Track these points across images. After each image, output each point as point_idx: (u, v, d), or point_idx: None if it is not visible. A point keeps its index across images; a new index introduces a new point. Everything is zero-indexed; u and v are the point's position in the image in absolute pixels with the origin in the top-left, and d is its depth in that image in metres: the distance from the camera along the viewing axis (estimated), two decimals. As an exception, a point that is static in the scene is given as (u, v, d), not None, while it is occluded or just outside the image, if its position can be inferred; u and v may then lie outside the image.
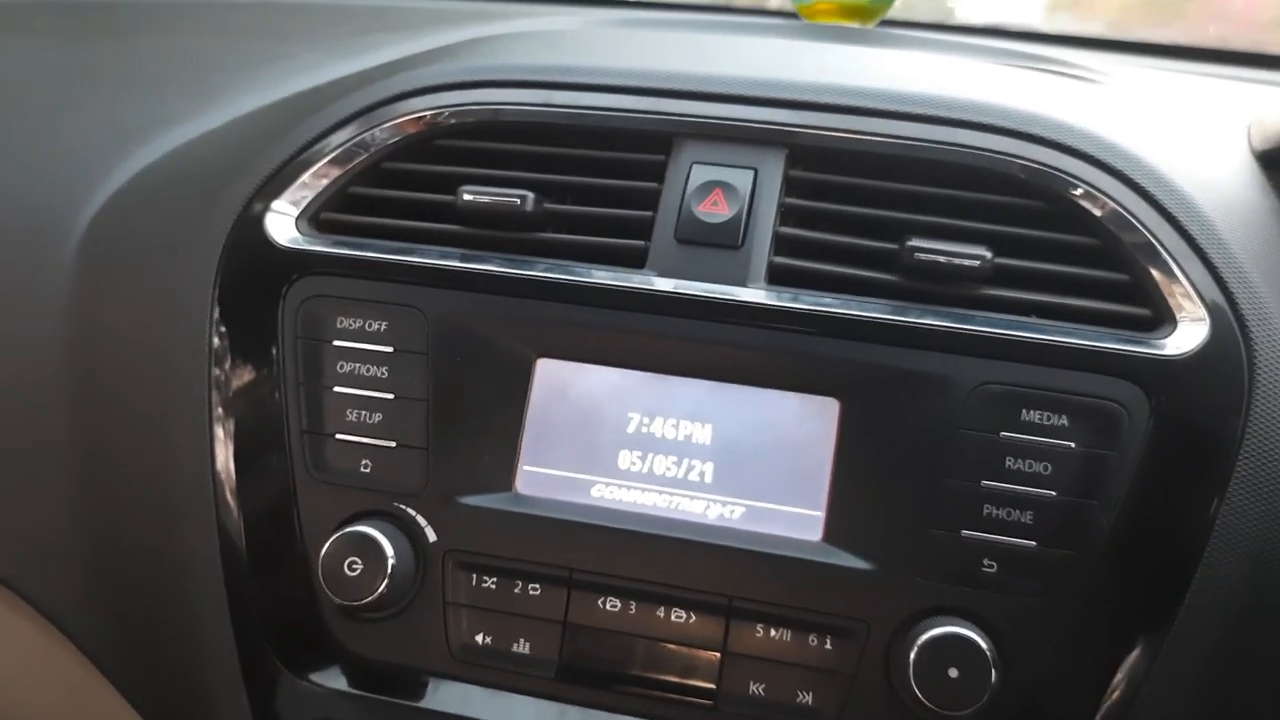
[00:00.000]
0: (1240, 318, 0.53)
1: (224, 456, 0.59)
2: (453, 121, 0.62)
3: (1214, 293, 0.54)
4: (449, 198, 0.60)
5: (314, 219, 0.61)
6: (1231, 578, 0.51)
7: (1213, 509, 0.51)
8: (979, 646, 0.50)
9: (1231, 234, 0.55)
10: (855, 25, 0.96)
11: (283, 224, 0.61)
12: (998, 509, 0.52)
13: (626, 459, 0.56)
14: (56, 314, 0.65)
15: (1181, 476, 0.52)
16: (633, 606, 0.54)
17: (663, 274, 0.57)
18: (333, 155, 0.62)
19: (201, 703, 0.59)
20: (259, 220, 0.61)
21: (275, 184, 0.62)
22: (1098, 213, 0.55)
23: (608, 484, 0.56)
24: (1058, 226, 0.56)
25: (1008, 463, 0.52)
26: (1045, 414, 0.53)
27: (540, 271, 0.57)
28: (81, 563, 0.63)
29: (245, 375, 0.59)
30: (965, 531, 0.52)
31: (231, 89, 0.76)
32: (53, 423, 0.64)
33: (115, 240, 0.66)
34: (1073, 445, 0.52)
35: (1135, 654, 0.51)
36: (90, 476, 0.63)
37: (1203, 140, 0.64)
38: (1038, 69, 0.78)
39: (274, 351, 0.59)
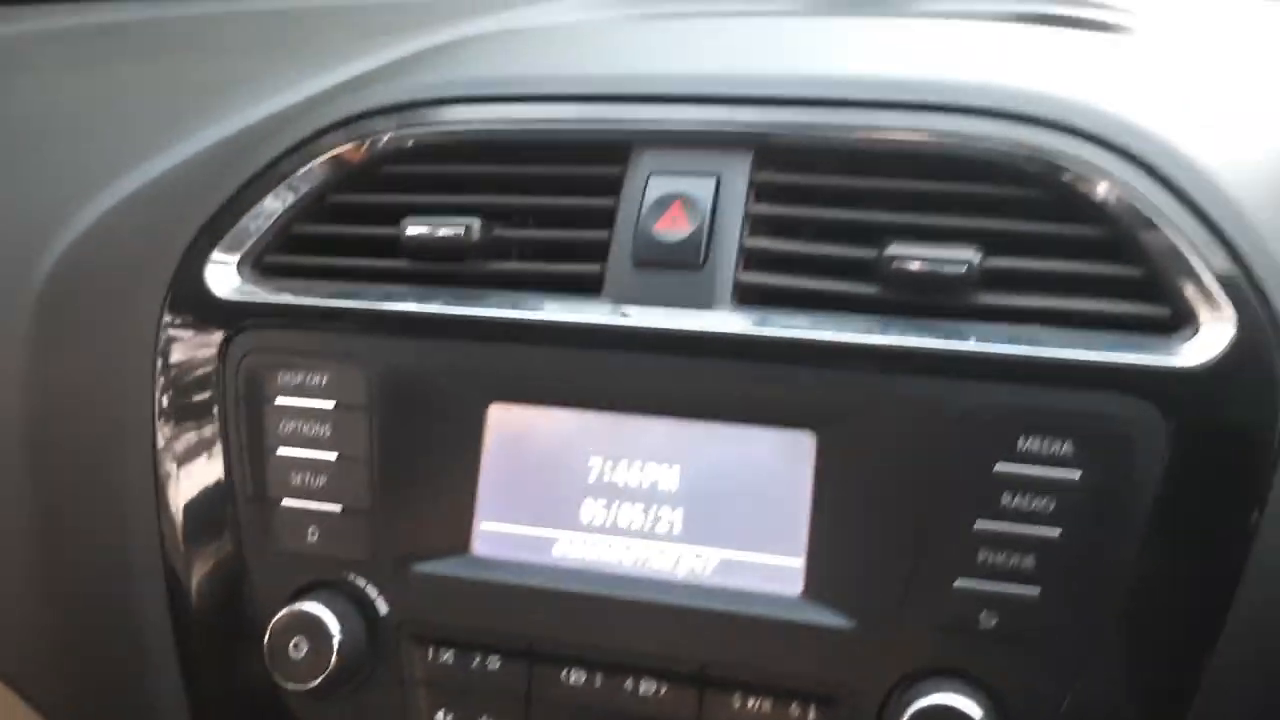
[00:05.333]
0: (1274, 316, 0.45)
1: (173, 528, 0.56)
2: (393, 146, 0.57)
3: (1242, 287, 0.46)
4: (396, 230, 0.55)
5: (258, 264, 0.58)
6: (1273, 618, 0.44)
7: (1244, 548, 0.44)
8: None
9: (1263, 217, 0.47)
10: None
11: (223, 273, 0.57)
12: (995, 553, 0.46)
13: (589, 510, 0.51)
14: (15, 380, 0.63)
15: (1206, 506, 0.45)
16: (599, 679, 0.50)
17: (619, 301, 0.52)
18: (273, 192, 0.58)
19: None
20: (199, 270, 0.57)
21: (214, 229, 0.58)
22: (1101, 199, 0.48)
23: (570, 540, 0.51)
24: (1057, 217, 0.49)
25: (1004, 499, 0.46)
26: (1045, 440, 0.46)
27: (488, 310, 0.53)
28: (45, 632, 0.61)
29: (191, 440, 0.56)
30: (960, 581, 0.46)
31: (205, 115, 0.73)
32: (13, 491, 0.62)
33: (69, 295, 0.64)
34: (1078, 476, 0.45)
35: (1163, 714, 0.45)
36: (50, 542, 0.61)
37: (1248, 98, 0.56)
38: (1053, 21, 0.70)
39: (217, 412, 0.55)
